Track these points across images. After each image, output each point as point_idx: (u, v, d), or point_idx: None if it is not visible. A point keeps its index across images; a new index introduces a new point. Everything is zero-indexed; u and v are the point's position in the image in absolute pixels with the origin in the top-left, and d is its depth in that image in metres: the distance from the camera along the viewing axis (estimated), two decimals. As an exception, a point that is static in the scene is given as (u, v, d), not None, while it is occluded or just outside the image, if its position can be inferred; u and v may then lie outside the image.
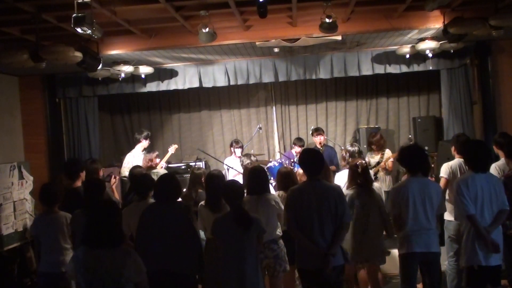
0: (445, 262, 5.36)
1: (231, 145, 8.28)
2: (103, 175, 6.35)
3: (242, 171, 7.60)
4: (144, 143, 7.79)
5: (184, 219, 4.28)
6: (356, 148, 6.26)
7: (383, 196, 5.46)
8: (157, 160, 7.48)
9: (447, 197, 5.26)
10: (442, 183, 5.25)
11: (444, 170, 5.33)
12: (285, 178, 5.36)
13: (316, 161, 4.31)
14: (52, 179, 7.95)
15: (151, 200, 4.74)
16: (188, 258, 4.21)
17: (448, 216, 5.23)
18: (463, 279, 4.55)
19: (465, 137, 5.71)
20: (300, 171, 5.49)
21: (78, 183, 5.56)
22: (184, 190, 5.68)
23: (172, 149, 8.02)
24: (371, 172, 6.83)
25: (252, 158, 6.99)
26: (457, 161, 5.37)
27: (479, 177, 4.28)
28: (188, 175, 8.23)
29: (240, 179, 7.10)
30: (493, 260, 4.25)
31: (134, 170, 6.29)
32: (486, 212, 4.24)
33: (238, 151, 8.04)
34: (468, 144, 4.78)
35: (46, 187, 5.10)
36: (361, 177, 4.97)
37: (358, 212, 4.88)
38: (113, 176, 6.53)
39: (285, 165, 7.29)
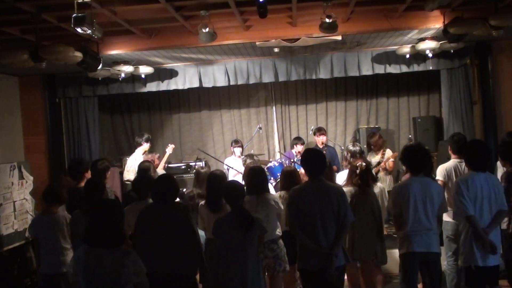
0: (444, 262, 5.36)
1: (231, 145, 8.29)
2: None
3: (242, 171, 7.61)
4: (145, 146, 7.78)
5: (182, 220, 4.25)
6: (358, 148, 6.25)
7: (387, 197, 5.45)
8: (158, 161, 7.49)
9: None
10: None
11: (440, 172, 5.32)
12: (288, 177, 5.35)
13: (318, 161, 4.29)
14: (52, 179, 7.95)
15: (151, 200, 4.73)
16: (187, 259, 4.18)
17: (446, 217, 5.23)
18: (462, 279, 4.55)
19: (460, 135, 5.68)
20: (302, 171, 5.47)
21: (82, 184, 5.50)
22: (185, 190, 5.63)
23: (169, 149, 8.02)
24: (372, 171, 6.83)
25: (255, 158, 6.97)
26: (452, 162, 5.36)
27: (478, 177, 4.27)
28: (188, 175, 8.27)
29: (239, 178, 7.10)
30: (491, 260, 4.25)
31: (142, 164, 6.28)
32: (485, 212, 4.24)
33: (238, 151, 8.05)
34: (467, 144, 4.77)
35: (52, 186, 5.13)
36: (357, 177, 4.96)
37: None
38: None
39: (285, 165, 7.27)
